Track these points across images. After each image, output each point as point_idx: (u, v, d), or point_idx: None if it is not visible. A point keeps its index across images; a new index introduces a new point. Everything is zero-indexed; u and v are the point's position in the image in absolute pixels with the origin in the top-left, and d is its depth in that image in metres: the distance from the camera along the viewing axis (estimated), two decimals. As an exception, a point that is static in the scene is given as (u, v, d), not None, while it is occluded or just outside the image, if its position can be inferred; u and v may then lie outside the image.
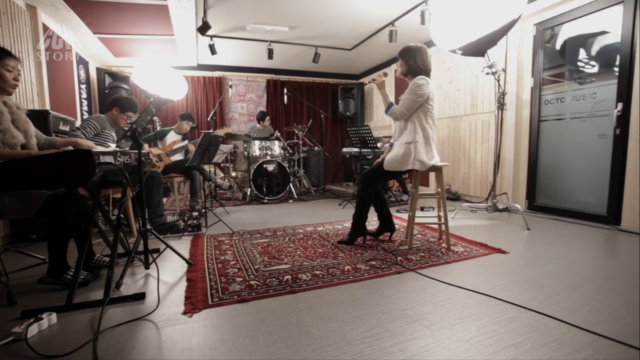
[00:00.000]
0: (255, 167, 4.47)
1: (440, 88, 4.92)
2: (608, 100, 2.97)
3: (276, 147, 4.78)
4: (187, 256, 2.20)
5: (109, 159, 1.61)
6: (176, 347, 1.21)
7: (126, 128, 2.62)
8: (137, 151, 1.91)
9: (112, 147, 2.49)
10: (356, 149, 4.32)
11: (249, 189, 4.64)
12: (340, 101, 6.89)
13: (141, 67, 4.74)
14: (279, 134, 5.17)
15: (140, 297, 1.62)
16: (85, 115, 4.80)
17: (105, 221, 2.60)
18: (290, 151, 5.10)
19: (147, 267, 2.03)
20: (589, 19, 3.13)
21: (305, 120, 6.78)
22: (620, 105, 2.83)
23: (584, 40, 3.23)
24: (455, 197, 4.51)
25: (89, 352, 1.19)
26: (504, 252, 2.26)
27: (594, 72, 3.15)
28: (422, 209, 3.89)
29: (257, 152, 4.71)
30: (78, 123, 3.92)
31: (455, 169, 4.71)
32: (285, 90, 5.54)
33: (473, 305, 1.51)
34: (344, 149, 4.94)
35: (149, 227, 2.00)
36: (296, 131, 5.31)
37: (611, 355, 1.13)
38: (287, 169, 4.65)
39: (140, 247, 2.02)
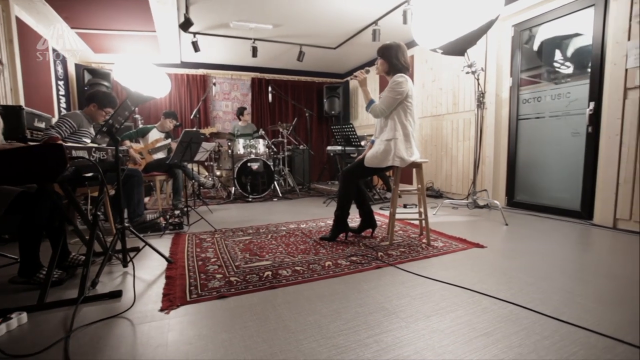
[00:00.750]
0: (239, 165, 4.43)
1: (422, 87, 4.99)
2: (581, 100, 3.08)
3: (261, 146, 4.75)
4: (167, 254, 2.17)
5: (83, 154, 1.58)
6: (151, 343, 1.20)
7: (104, 124, 2.56)
8: (114, 147, 1.87)
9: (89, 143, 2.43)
10: (340, 147, 4.34)
11: (233, 188, 4.60)
12: (325, 100, 6.90)
13: (122, 64, 4.64)
14: (263, 132, 5.15)
15: (116, 295, 1.59)
16: (64, 112, 4.66)
17: (82, 220, 2.54)
18: (275, 149, 5.08)
19: (125, 266, 1.99)
20: (564, 21, 3.23)
21: (291, 119, 6.77)
22: (592, 105, 2.94)
23: (560, 42, 3.34)
24: (437, 195, 4.59)
25: (59, 351, 1.16)
26: (482, 246, 2.32)
27: (569, 73, 3.26)
28: (405, 206, 3.95)
29: (241, 151, 4.68)
30: (55, 120, 3.81)
31: (438, 166, 4.79)
32: (270, 89, 5.52)
33: (449, 297, 1.55)
34: (329, 147, 4.95)
35: (127, 224, 1.96)
36: (281, 129, 5.29)
37: (577, 340, 1.18)
38: (272, 167, 4.63)
39: (119, 246, 1.98)
